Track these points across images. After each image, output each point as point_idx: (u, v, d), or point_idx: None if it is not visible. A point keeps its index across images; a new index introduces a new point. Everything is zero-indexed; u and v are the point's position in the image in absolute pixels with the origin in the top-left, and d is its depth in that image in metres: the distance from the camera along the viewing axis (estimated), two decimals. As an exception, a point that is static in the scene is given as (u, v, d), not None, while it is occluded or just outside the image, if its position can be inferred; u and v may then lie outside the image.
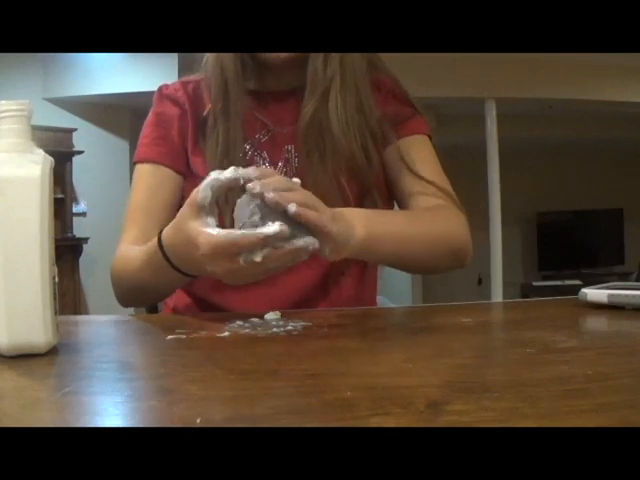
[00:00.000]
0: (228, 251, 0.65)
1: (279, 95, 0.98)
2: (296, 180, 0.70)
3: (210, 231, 0.66)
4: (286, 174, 0.95)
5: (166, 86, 1.02)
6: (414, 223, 0.89)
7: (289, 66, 0.93)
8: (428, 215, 0.93)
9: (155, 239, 0.78)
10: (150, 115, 1.01)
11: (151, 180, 0.97)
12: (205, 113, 0.95)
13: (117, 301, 0.94)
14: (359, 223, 0.78)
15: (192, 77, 1.02)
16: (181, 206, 0.94)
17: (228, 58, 0.92)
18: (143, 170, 0.98)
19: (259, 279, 0.71)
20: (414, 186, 0.96)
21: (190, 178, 0.96)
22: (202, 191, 0.68)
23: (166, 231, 0.75)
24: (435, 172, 0.98)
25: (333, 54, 0.91)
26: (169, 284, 0.86)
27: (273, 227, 0.65)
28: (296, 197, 0.66)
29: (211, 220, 0.68)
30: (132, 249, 0.89)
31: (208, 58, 0.96)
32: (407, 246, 0.87)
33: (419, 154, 0.98)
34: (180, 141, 0.97)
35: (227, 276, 0.69)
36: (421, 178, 0.96)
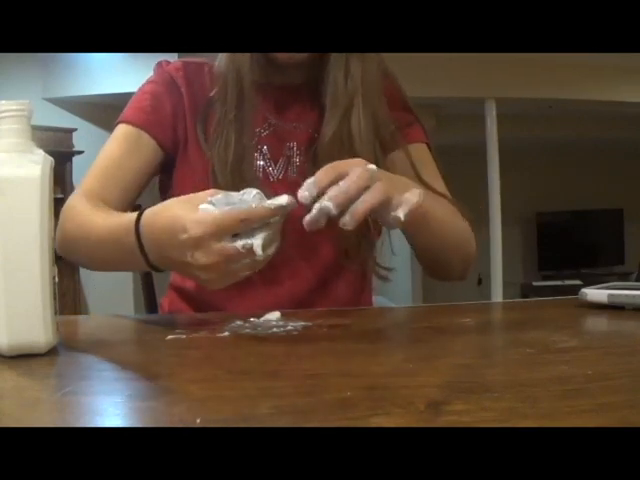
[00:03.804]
0: (225, 231, 0.62)
1: (284, 89, 0.97)
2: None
3: (206, 208, 0.63)
4: (287, 172, 0.95)
5: (167, 62, 1.00)
6: (453, 216, 0.91)
7: (297, 66, 0.93)
8: (458, 215, 0.94)
9: (129, 216, 0.73)
10: (146, 84, 0.98)
11: (130, 142, 0.94)
12: (207, 102, 0.93)
13: (57, 245, 0.86)
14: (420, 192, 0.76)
15: (196, 59, 1.00)
16: (151, 176, 0.92)
17: (243, 55, 0.90)
18: (125, 130, 0.94)
19: (237, 280, 0.67)
20: None
21: (186, 166, 0.95)
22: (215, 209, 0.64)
23: (148, 212, 0.71)
24: (440, 186, 0.99)
25: (354, 71, 0.91)
26: (129, 266, 0.82)
27: (281, 198, 0.62)
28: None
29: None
30: (93, 212, 0.84)
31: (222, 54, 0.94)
32: (447, 234, 0.88)
33: (423, 164, 0.99)
34: (171, 119, 0.95)
35: (206, 271, 0.64)
36: (431, 189, 0.96)
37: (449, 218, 0.90)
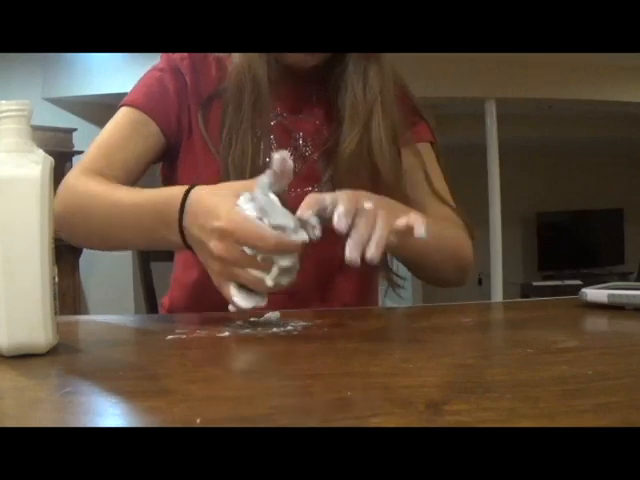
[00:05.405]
0: (248, 243, 0.65)
1: (289, 82, 0.96)
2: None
3: (246, 211, 0.66)
4: (294, 162, 0.94)
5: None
6: (440, 231, 0.90)
7: (309, 68, 0.92)
8: (444, 225, 0.94)
9: (173, 188, 0.76)
10: (152, 70, 0.97)
11: (134, 127, 0.93)
12: (211, 93, 0.93)
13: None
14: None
15: None
16: (151, 162, 0.94)
17: (259, 61, 0.90)
18: (131, 113, 0.93)
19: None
20: (423, 197, 0.97)
21: (190, 156, 0.94)
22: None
23: (197, 188, 0.73)
24: (441, 187, 0.99)
25: (373, 79, 0.91)
26: (148, 237, 0.82)
27: (302, 235, 0.65)
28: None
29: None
30: (107, 185, 0.85)
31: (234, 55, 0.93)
32: (434, 251, 0.88)
33: (425, 173, 0.99)
34: (176, 108, 0.94)
35: (219, 263, 0.68)
36: (433, 193, 0.97)
37: (438, 232, 0.89)
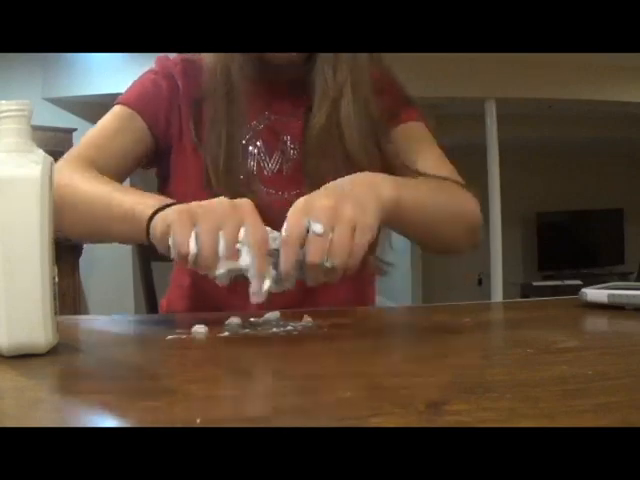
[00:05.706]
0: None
1: (277, 82, 0.97)
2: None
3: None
4: (281, 165, 0.95)
5: (166, 57, 1.00)
6: (437, 192, 0.88)
7: (292, 64, 0.93)
8: (446, 188, 0.91)
9: (141, 205, 0.73)
10: (146, 72, 0.99)
11: (123, 122, 0.95)
12: (200, 97, 0.94)
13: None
14: (386, 185, 0.75)
15: (194, 55, 1.00)
16: (141, 159, 0.95)
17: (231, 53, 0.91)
18: (124, 112, 0.95)
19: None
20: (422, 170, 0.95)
21: (181, 156, 0.95)
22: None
23: (161, 215, 0.70)
24: (438, 163, 0.97)
25: (343, 61, 0.91)
26: (122, 237, 0.82)
27: (243, 263, 0.64)
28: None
29: None
30: (93, 183, 0.84)
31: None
32: (435, 213, 0.85)
33: (418, 140, 0.98)
34: (167, 112, 0.96)
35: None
36: (413, 172, 0.95)
37: (436, 195, 0.87)
